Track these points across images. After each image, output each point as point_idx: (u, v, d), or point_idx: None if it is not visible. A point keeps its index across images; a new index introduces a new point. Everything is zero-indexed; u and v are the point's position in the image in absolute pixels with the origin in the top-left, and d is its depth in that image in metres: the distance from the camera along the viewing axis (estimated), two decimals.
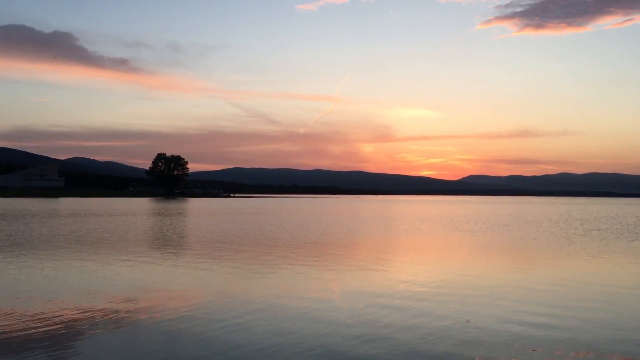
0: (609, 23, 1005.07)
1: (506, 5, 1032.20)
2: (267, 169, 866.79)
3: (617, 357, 10.22)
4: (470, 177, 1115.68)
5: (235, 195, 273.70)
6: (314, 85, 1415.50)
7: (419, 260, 25.94)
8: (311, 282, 18.52)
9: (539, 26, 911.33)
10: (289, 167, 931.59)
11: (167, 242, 32.85)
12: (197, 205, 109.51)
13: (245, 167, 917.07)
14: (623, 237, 38.94)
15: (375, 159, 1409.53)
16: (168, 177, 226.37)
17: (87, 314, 13.39)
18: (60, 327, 12.04)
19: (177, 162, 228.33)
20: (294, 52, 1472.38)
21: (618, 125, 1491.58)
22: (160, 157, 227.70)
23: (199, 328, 12.23)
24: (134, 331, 12.00)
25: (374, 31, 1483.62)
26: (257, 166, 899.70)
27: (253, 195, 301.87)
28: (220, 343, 11.11)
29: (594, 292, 17.41)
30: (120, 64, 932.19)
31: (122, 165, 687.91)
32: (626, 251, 29.74)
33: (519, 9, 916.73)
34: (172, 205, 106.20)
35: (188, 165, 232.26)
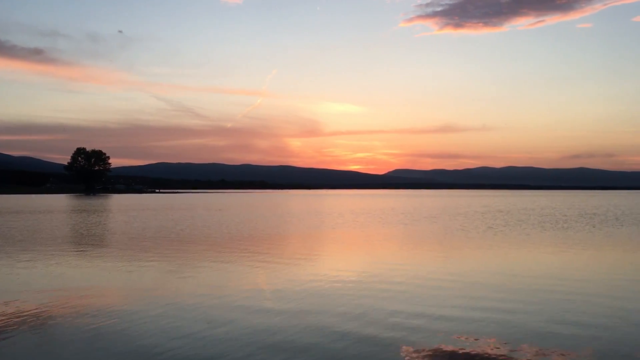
0: (523, 24, 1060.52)
1: (427, 5, 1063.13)
2: (194, 164, 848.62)
3: (531, 347, 10.36)
4: (396, 171, 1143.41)
5: (161, 190, 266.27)
6: (241, 79, 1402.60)
7: (349, 252, 26.00)
8: (241, 277, 18.05)
9: (458, 25, 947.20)
10: (216, 161, 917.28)
11: (89, 240, 31.20)
12: (120, 202, 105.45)
13: (170, 162, 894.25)
14: (541, 227, 40.90)
15: (303, 153, 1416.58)
16: (88, 173, 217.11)
17: (6, 315, 12.43)
18: None
19: (98, 157, 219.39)
20: (220, 45, 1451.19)
21: (533, 121, 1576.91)
22: (80, 151, 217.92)
23: (123, 327, 11.57)
24: (55, 332, 11.24)
25: (301, 26, 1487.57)
26: (183, 161, 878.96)
27: (179, 190, 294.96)
28: (145, 341, 10.54)
29: (516, 281, 17.96)
30: (35, 55, 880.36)
31: (39, 160, 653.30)
32: (545, 241, 31.16)
33: (439, 9, 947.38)
34: (94, 202, 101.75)
35: (110, 160, 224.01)
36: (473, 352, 9.98)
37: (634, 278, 18.27)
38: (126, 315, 12.60)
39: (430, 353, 9.91)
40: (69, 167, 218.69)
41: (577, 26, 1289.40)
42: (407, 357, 9.71)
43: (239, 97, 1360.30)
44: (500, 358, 9.70)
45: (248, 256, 23.28)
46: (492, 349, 10.17)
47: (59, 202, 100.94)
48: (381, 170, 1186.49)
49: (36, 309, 13.17)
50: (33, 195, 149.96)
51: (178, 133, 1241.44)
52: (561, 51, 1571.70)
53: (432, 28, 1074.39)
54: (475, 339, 10.78)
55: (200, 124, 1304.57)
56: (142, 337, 10.92)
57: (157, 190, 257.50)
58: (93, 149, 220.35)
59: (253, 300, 14.30)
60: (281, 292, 15.48)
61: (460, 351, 10.04)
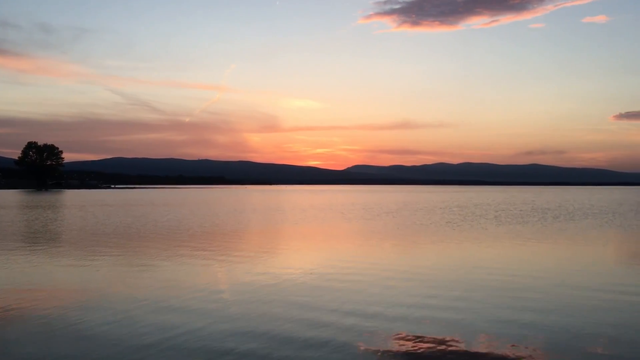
0: (478, 23, 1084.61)
1: (385, 2, 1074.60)
2: (151, 159, 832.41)
3: (485, 339, 10.52)
4: (355, 166, 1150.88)
5: (117, 186, 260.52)
6: (199, 73, 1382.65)
7: (311, 248, 25.97)
8: (198, 274, 17.75)
9: (415, 23, 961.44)
10: (174, 157, 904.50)
11: (44, 236, 30.16)
12: (74, 197, 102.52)
13: (127, 157, 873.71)
14: (497, 222, 41.87)
15: (262, 149, 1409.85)
16: (40, 168, 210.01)
17: None
18: None
19: (51, 151, 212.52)
20: (178, 38, 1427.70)
21: (488, 118, 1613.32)
22: (31, 146, 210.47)
23: (77, 327, 11.18)
24: (6, 333, 10.79)
25: (260, 21, 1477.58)
26: (139, 156, 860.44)
27: (136, 186, 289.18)
28: (99, 342, 10.20)
29: (473, 275, 18.26)
30: None
31: None
32: (502, 235, 31.89)
33: (397, 6, 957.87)
34: (47, 198, 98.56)
35: (63, 155, 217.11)
36: (430, 347, 10.03)
37: (585, 270, 18.83)
38: (81, 314, 12.18)
39: (386, 349, 9.90)
40: (19, 161, 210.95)
41: (530, 26, 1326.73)
42: (363, 353, 9.67)
43: (197, 92, 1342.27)
44: (457, 351, 9.80)
45: (208, 252, 22.95)
46: (448, 343, 10.26)
47: (9, 197, 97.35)
48: (340, 166, 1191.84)
49: None
50: None
51: (134, 127, 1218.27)
52: (515, 50, 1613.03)
53: (389, 25, 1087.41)
54: (432, 333, 10.84)
55: (157, 118, 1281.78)
56: (96, 335, 10.59)
57: (113, 186, 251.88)
58: (45, 143, 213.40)
59: (209, 297, 14.06)
60: (238, 289, 15.26)
61: (417, 346, 10.07)
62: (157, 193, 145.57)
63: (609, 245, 27.49)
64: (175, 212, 52.87)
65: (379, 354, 9.61)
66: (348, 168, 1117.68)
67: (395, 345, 10.02)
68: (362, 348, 9.92)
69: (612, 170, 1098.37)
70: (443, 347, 9.96)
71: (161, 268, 18.86)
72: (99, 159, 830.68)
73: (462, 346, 10.00)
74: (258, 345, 10.04)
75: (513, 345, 10.05)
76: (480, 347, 9.96)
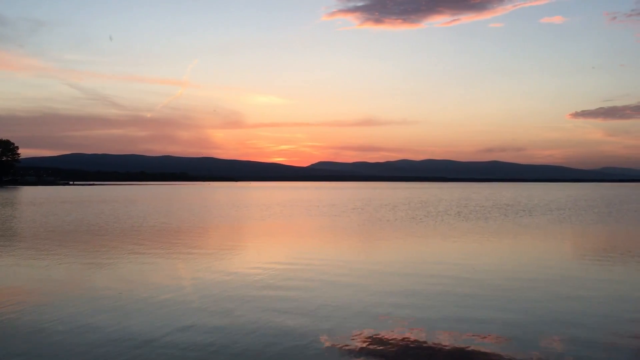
0: (439, 22, 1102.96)
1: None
2: (111, 155, 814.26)
3: (446, 333, 10.64)
4: (320, 163, 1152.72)
5: (75, 183, 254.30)
6: (161, 68, 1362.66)
7: (275, 245, 25.83)
8: (160, 271, 17.45)
9: (378, 21, 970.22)
10: (135, 153, 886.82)
11: (0, 234, 29.11)
12: (31, 194, 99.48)
13: (86, 152, 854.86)
14: (460, 218, 42.54)
15: (226, 145, 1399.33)
16: None
17: None
18: None
19: (6, 147, 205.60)
20: (139, 31, 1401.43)
21: (450, 116, 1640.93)
22: None
23: (32, 327, 10.85)
24: None
25: (223, 16, 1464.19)
26: (99, 152, 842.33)
27: (96, 182, 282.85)
28: (54, 342, 9.93)
29: (436, 269, 18.48)
30: None
31: None
32: (464, 230, 32.41)
33: (360, 4, 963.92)
34: (3, 194, 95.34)
35: (19, 151, 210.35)
36: (392, 339, 10.08)
37: (544, 264, 19.27)
38: (36, 314, 11.79)
39: (348, 345, 9.88)
40: None
41: (490, 25, 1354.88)
42: (325, 350, 9.63)
43: (159, 87, 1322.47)
44: (418, 343, 9.87)
45: (170, 249, 22.56)
46: (410, 335, 10.34)
47: None
48: (305, 163, 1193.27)
49: None
50: None
51: (94, 123, 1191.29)
52: (476, 49, 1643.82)
53: (353, 22, 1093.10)
54: (393, 329, 10.89)
55: (117, 113, 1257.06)
56: (51, 335, 10.29)
57: (71, 183, 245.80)
58: (0, 138, 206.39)
59: (169, 294, 13.79)
60: (200, 285, 15.06)
61: (379, 339, 10.12)
62: (118, 190, 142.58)
63: (566, 240, 28.21)
64: (137, 209, 51.87)
65: (341, 350, 9.56)
66: (312, 165, 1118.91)
67: (357, 342, 10.00)
68: (324, 345, 9.87)
69: (568, 167, 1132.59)
70: (404, 343, 9.97)
71: (122, 266, 18.43)
72: (57, 154, 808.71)
73: (422, 342, 10.03)
74: (220, 342, 9.90)
75: (472, 339, 10.17)
76: (440, 342, 10.01)
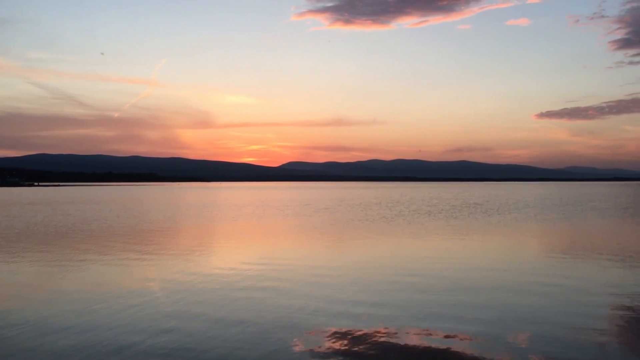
0: (408, 23, 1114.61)
1: (318, 0, 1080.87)
2: (78, 156, 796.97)
3: (416, 331, 10.76)
4: (290, 163, 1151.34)
5: (40, 184, 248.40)
6: (128, 67, 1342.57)
7: (247, 246, 25.73)
8: (131, 274, 17.24)
9: (348, 22, 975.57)
10: (102, 153, 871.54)
11: None
12: None
13: (51, 153, 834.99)
14: (431, 217, 43.09)
15: (195, 145, 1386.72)
16: None
17: None
18: None
19: None
20: (105, 30, 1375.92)
21: (419, 116, 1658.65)
22: None
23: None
24: None
25: (193, 15, 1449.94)
26: (65, 152, 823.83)
27: (61, 183, 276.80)
28: (18, 346, 9.77)
29: (409, 268, 18.72)
30: None
31: None
32: (435, 229, 32.85)
33: (330, 4, 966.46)
34: None
35: None
36: (363, 338, 10.19)
37: (512, 262, 19.68)
38: (6, 317, 11.57)
39: (320, 345, 9.95)
40: None
41: (458, 27, 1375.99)
42: (300, 349, 9.69)
43: (126, 86, 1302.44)
44: (389, 342, 9.99)
45: (141, 251, 22.29)
46: (381, 334, 10.46)
47: None
48: (275, 163, 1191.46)
49: None
50: None
51: (59, 122, 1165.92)
52: (444, 50, 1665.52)
53: (323, 23, 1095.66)
54: (365, 325, 11.03)
55: (83, 113, 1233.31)
56: (15, 339, 10.13)
57: (36, 184, 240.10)
58: None
59: (142, 297, 13.68)
60: (170, 287, 14.96)
61: (351, 338, 10.21)
62: (85, 191, 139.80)
63: (533, 237, 28.83)
64: (106, 211, 51.00)
65: (314, 351, 9.60)
66: (283, 165, 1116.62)
67: (329, 342, 10.05)
68: (297, 346, 9.90)
69: (534, 166, 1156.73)
70: (375, 342, 10.06)
71: (91, 269, 18.13)
72: (21, 155, 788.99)
73: (393, 341, 10.15)
74: (194, 347, 9.85)
75: (442, 337, 10.34)
76: (410, 340, 10.14)
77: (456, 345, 9.84)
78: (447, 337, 10.36)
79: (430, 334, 10.53)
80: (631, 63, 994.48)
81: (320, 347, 9.80)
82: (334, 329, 10.85)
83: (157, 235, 28.99)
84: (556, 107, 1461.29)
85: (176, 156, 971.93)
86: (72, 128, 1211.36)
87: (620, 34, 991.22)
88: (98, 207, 57.37)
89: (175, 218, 42.03)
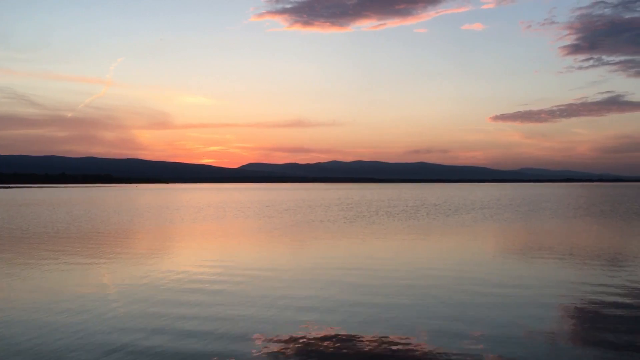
0: (367, 25, 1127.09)
1: (277, 1, 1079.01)
2: (29, 156, 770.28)
3: (372, 332, 10.87)
4: (250, 164, 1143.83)
5: None
6: (83, 66, 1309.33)
7: (205, 248, 25.48)
8: (82, 277, 16.94)
9: (307, 23, 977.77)
10: (55, 154, 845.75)
11: None
12: None
13: (1, 153, 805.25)
14: (389, 217, 43.64)
15: (152, 146, 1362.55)
16: None
17: None
18: None
19: None
20: (59, 27, 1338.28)
21: (378, 118, 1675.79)
22: None
23: None
24: None
25: (150, 15, 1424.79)
26: (15, 153, 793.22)
27: (12, 185, 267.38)
28: None
29: (365, 269, 18.95)
30: None
31: None
32: (395, 229, 33.30)
33: (289, 6, 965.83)
34: None
35: None
36: (317, 342, 10.25)
37: (469, 261, 20.20)
38: None
39: (274, 348, 9.96)
40: None
41: (415, 31, 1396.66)
42: (250, 353, 9.64)
43: (81, 85, 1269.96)
44: (342, 345, 10.08)
45: (97, 254, 21.83)
46: (335, 337, 10.51)
47: None
48: (235, 164, 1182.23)
49: None
50: None
51: (9, 122, 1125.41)
52: (402, 53, 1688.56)
53: (281, 24, 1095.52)
54: (319, 329, 11.12)
55: (35, 113, 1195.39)
56: None
57: None
58: None
59: (96, 302, 13.44)
60: (125, 290, 14.79)
61: (305, 342, 10.25)
62: (37, 192, 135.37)
63: (489, 237, 29.59)
64: (61, 213, 49.60)
65: (266, 355, 9.56)
66: (242, 166, 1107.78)
67: (282, 346, 10.03)
68: (251, 348, 9.86)
69: (490, 167, 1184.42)
70: (329, 345, 10.09)
71: (42, 273, 17.66)
72: None
73: (349, 342, 10.24)
74: (138, 349, 9.76)
75: (396, 339, 10.51)
76: (364, 343, 10.21)
77: (411, 347, 9.96)
78: (401, 338, 10.46)
79: (385, 336, 10.60)
80: (580, 68, 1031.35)
81: (273, 352, 9.75)
82: (287, 333, 10.84)
83: (115, 238, 28.44)
84: (510, 110, 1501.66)
85: (133, 157, 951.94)
86: (23, 128, 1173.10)
87: (569, 40, 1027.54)
88: (53, 209, 55.75)
89: (134, 220, 41.27)
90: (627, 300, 13.63)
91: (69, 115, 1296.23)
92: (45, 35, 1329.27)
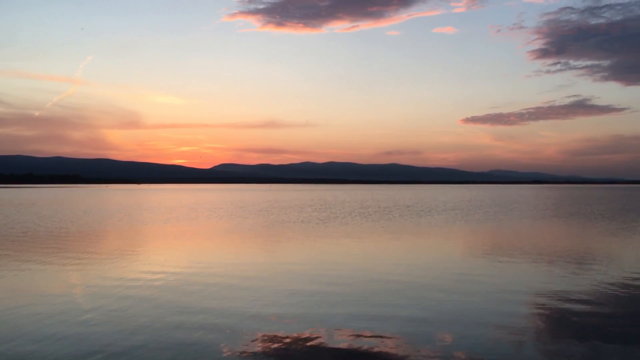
0: (340, 27, 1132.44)
1: (249, 1, 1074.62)
2: None
3: (345, 332, 10.96)
4: (222, 165, 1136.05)
5: None
6: (51, 64, 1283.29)
7: (178, 249, 25.25)
8: (50, 279, 16.71)
9: (279, 24, 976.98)
10: (21, 153, 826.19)
11: None
12: None
13: None
14: (362, 218, 43.92)
15: (123, 146, 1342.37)
16: None
17: None
18: None
19: None
20: (26, 25, 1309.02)
21: (350, 119, 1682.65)
22: None
23: None
24: None
25: (121, 14, 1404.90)
26: None
27: None
28: None
29: (338, 270, 19.12)
30: None
31: None
32: (368, 230, 33.55)
33: (261, 6, 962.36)
34: None
35: None
36: (292, 340, 10.36)
37: (441, 261, 20.52)
38: None
39: (249, 347, 10.00)
40: None
41: (387, 33, 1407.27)
42: (225, 354, 9.66)
43: (49, 84, 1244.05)
44: (317, 343, 10.21)
45: (66, 255, 21.50)
46: (310, 336, 10.63)
47: None
48: (207, 165, 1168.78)
49: None
50: None
51: None
52: (374, 55, 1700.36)
53: (254, 25, 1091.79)
54: (294, 327, 11.23)
55: (1, 111, 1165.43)
56: None
57: None
58: None
59: (65, 305, 13.24)
60: (95, 292, 14.63)
61: (280, 341, 10.34)
62: (2, 192, 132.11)
63: (460, 237, 30.06)
64: (29, 213, 48.55)
65: (241, 355, 9.59)
66: (214, 167, 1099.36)
67: (257, 345, 10.09)
68: (225, 350, 9.86)
69: (461, 169, 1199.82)
70: (303, 343, 10.20)
71: (8, 275, 17.37)
72: None
73: (321, 342, 10.32)
74: (107, 351, 9.71)
75: (370, 338, 10.60)
76: (339, 342, 10.32)
77: (383, 346, 10.09)
78: (374, 337, 10.59)
79: (358, 335, 10.73)
80: (548, 72, 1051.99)
81: (246, 351, 9.77)
82: (262, 331, 10.90)
83: (85, 239, 28.01)
84: (480, 113, 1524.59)
85: (103, 157, 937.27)
86: None
87: (538, 45, 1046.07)
88: (20, 211, 54.53)
89: (105, 221, 40.66)
90: (592, 298, 14.06)
91: (37, 114, 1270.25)
92: (13, 32, 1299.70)
